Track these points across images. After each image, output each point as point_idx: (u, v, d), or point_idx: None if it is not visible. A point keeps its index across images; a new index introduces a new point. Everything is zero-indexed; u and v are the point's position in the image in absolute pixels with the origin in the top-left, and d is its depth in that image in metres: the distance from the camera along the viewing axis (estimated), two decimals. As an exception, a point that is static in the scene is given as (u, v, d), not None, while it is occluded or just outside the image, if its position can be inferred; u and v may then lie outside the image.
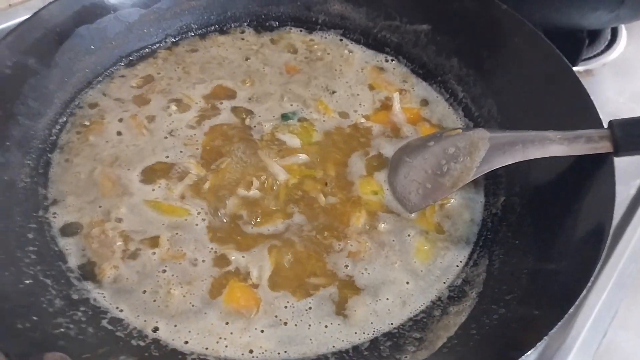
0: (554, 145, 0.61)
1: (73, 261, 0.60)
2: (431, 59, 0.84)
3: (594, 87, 0.94)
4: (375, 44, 0.87)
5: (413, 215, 0.67)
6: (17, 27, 0.69)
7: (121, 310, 0.57)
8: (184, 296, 0.58)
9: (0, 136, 0.64)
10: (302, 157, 0.71)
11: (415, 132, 0.77)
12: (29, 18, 0.71)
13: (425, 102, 0.81)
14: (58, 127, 0.71)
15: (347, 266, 0.62)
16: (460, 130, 0.70)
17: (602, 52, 1.00)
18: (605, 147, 0.60)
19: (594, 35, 1.01)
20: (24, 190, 0.63)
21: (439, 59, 0.83)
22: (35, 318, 0.51)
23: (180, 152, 0.71)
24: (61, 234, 0.62)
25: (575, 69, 0.94)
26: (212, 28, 0.86)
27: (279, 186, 0.68)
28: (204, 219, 0.64)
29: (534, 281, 0.58)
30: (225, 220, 0.64)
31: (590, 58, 0.98)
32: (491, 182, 0.71)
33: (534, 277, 0.58)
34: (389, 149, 0.74)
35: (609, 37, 1.03)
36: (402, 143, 0.74)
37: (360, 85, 0.82)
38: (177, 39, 0.84)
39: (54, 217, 0.63)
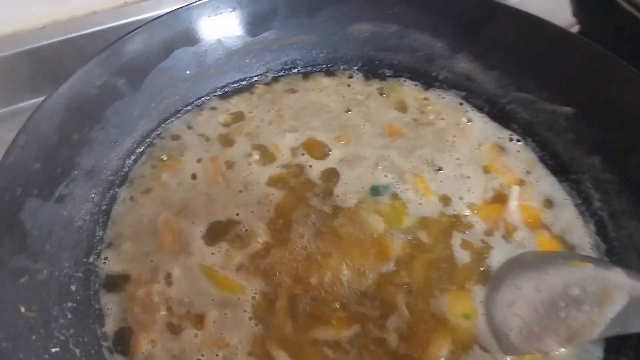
0: None
1: (110, 325, 0.54)
2: (567, 149, 0.69)
3: None
4: (501, 117, 0.73)
5: (508, 358, 0.54)
6: (112, 44, 0.65)
7: (147, 401, 0.50)
8: (217, 401, 0.50)
9: (69, 164, 0.59)
10: (388, 268, 0.59)
11: (531, 240, 0.63)
12: (126, 35, 0.66)
13: (549, 203, 0.66)
14: (133, 157, 0.67)
15: (412, 408, 0.51)
16: (592, 265, 0.55)
17: None
18: None
19: None
20: (79, 230, 0.58)
21: (577, 153, 0.68)
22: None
23: (252, 212, 0.63)
24: (106, 289, 0.56)
25: None
26: (318, 67, 0.78)
27: (349, 284, 0.57)
28: (254, 303, 0.56)
29: None
30: (278, 312, 0.55)
31: None
32: (616, 337, 0.55)
33: None
34: (494, 258, 0.61)
35: None
36: (512, 253, 0.61)
37: (473, 166, 0.69)
38: (278, 75, 0.76)
39: (104, 263, 0.58)
